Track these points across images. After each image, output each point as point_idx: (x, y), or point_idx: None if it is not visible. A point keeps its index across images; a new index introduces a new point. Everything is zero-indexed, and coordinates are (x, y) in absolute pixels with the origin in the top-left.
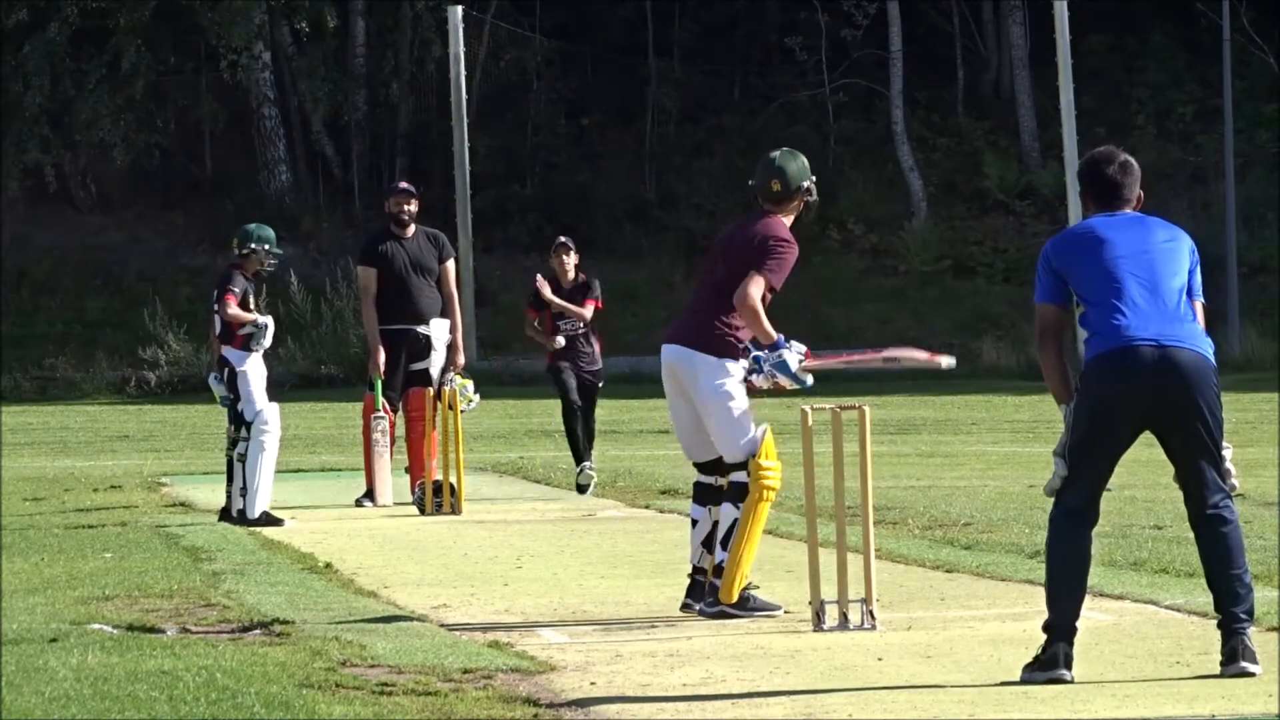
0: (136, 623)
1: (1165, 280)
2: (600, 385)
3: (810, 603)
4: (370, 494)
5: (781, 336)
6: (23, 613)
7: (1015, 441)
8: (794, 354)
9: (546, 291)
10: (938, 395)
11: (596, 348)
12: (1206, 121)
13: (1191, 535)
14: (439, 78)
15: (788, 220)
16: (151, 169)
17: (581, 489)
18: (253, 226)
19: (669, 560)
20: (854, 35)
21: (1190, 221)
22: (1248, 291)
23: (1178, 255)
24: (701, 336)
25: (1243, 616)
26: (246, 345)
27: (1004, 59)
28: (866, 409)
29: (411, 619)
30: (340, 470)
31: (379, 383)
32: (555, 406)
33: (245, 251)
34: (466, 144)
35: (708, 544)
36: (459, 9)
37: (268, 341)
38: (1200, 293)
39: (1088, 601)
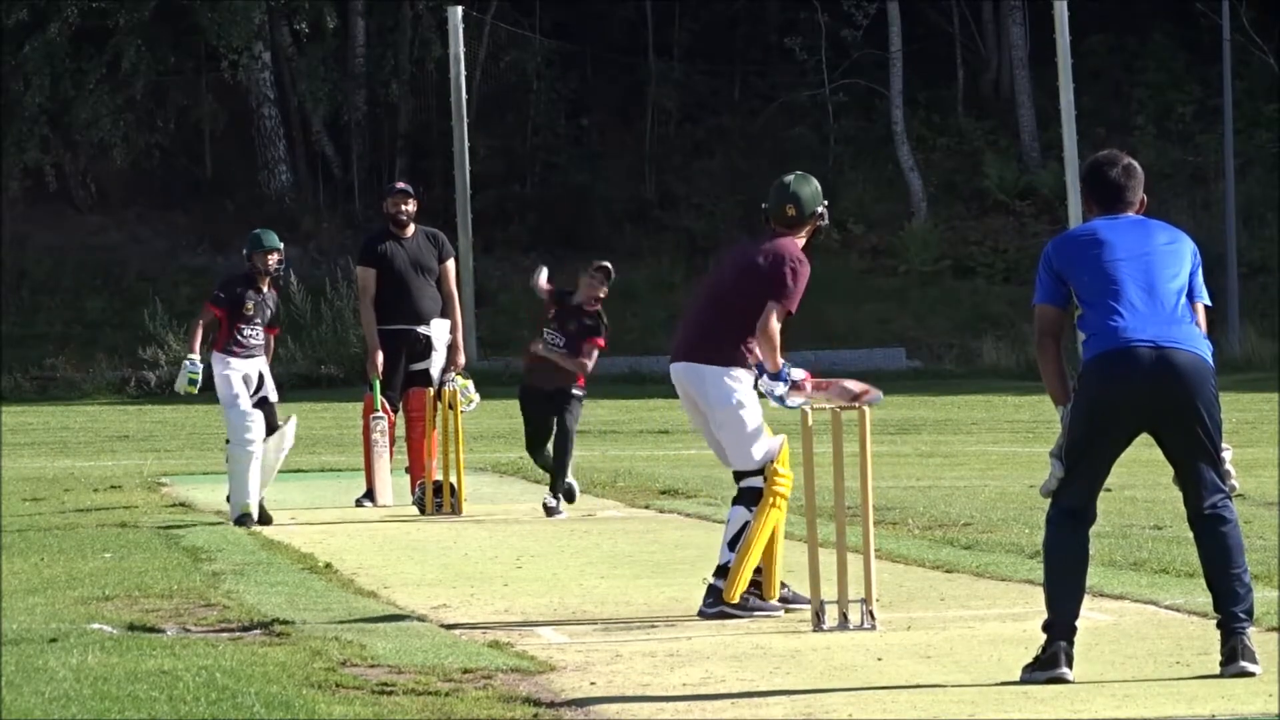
0: (136, 623)
1: (1164, 282)
2: (575, 395)
3: (810, 603)
4: (370, 494)
5: (785, 366)
6: (23, 613)
7: (1015, 441)
8: (785, 386)
9: (543, 279)
10: (938, 395)
11: (585, 361)
12: (1206, 121)
13: (1191, 535)
14: (439, 78)
15: (800, 241)
16: (151, 169)
17: (550, 511)
18: (254, 232)
19: (669, 560)
20: (854, 35)
21: (1190, 221)
22: (1248, 291)
23: (1178, 257)
24: (709, 350)
25: (1242, 616)
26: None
27: (1004, 59)
28: (866, 409)
29: (411, 619)
30: (340, 470)
31: (377, 383)
32: None
33: (248, 259)
34: (466, 144)
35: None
36: (459, 9)
37: (180, 384)
38: (1203, 294)
39: (1088, 601)
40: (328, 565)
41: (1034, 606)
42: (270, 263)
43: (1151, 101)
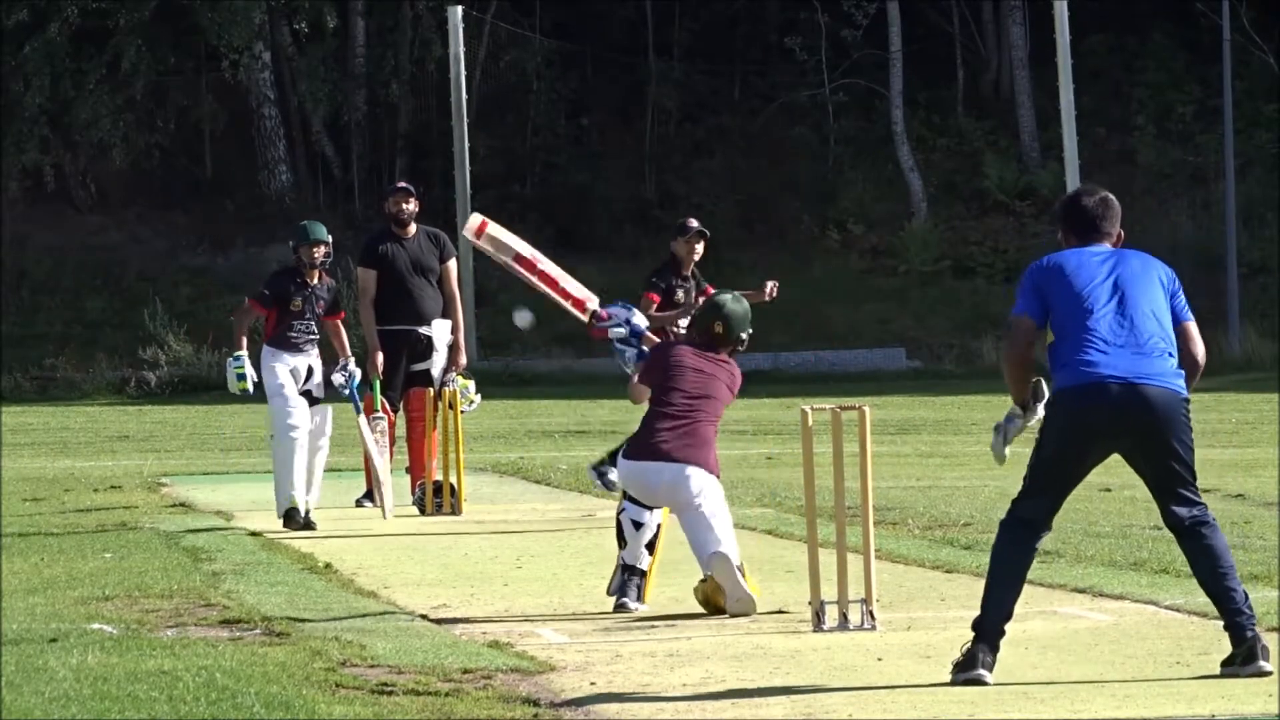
0: (136, 623)
1: (1139, 313)
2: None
3: (810, 603)
4: (370, 494)
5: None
6: (23, 613)
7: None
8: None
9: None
10: (938, 395)
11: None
12: (1206, 121)
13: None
14: (439, 78)
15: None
16: (151, 169)
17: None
18: (301, 224)
19: (668, 560)
20: (854, 35)
21: (1190, 221)
22: (1248, 291)
23: (1152, 285)
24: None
25: (1246, 611)
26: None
27: (1004, 59)
28: (866, 409)
29: (411, 619)
30: (340, 470)
31: (377, 383)
32: (555, 406)
33: (294, 252)
34: (466, 144)
35: (649, 547)
36: (459, 9)
37: (230, 384)
38: (1187, 314)
39: (1088, 601)
40: (328, 565)
41: (1033, 607)
42: (317, 255)
43: (1151, 101)
